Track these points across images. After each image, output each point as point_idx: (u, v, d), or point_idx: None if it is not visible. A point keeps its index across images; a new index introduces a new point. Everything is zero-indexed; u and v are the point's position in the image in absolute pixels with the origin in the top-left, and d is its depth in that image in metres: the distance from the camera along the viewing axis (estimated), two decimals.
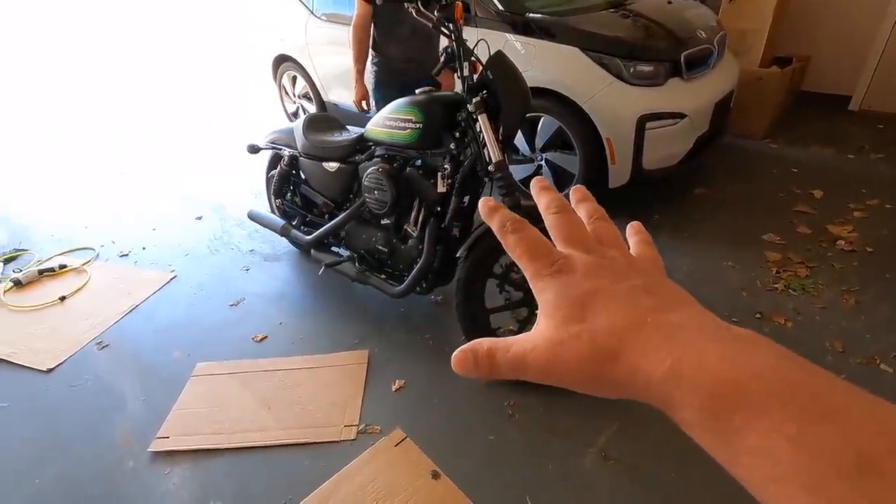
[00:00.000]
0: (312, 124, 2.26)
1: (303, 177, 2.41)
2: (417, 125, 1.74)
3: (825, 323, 1.98)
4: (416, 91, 1.82)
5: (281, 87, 4.40)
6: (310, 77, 3.99)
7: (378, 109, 2.17)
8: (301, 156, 2.26)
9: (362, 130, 2.10)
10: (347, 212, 2.12)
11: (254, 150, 2.45)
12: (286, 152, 2.35)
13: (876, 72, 3.74)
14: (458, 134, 1.72)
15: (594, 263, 0.28)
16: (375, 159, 1.99)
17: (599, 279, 0.27)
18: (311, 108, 4.20)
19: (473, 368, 0.28)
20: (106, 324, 2.29)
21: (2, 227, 3.24)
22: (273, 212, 2.63)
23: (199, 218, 3.17)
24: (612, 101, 2.44)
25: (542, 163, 2.76)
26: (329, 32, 3.68)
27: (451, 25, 1.55)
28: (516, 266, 1.42)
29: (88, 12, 9.76)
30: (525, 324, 1.79)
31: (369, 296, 2.27)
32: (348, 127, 2.33)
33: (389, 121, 1.83)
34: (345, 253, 2.26)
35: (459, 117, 1.69)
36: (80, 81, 6.82)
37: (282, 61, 4.22)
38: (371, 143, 2.02)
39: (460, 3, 1.52)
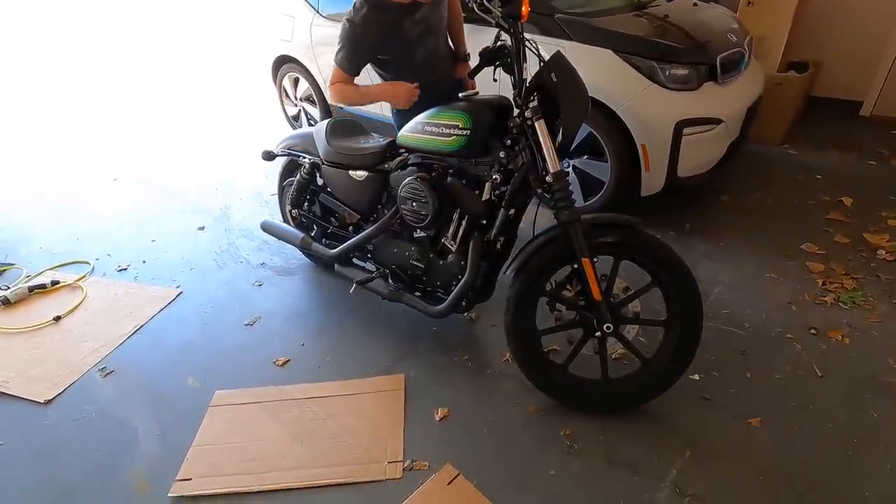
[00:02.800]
0: (336, 129, 2.10)
1: (324, 185, 2.24)
2: (465, 132, 1.60)
3: (884, 338, 1.89)
4: (459, 95, 1.68)
5: (281, 89, 4.20)
6: (314, 79, 3.80)
7: (401, 125, 2.01)
8: (324, 163, 2.10)
9: (390, 137, 1.95)
10: (377, 224, 1.96)
11: (269, 156, 2.27)
12: (306, 159, 2.18)
13: (888, 78, 3.73)
14: (508, 141, 1.59)
15: None
16: (410, 168, 1.84)
17: None
18: (314, 111, 4.02)
19: None
20: (109, 347, 2.09)
21: None
22: (286, 222, 2.46)
23: (202, 228, 2.97)
24: (649, 106, 2.33)
25: (570, 169, 2.64)
26: (335, 33, 3.50)
27: (514, 23, 1.41)
28: (569, 283, 1.26)
29: (82, 17, 9.39)
30: (580, 346, 1.66)
31: (396, 313, 2.12)
32: (372, 133, 2.18)
33: (431, 126, 1.68)
34: (371, 268, 2.10)
35: (511, 123, 1.55)
36: (71, 83, 6.50)
37: (283, 63, 4.03)
38: (404, 151, 1.87)
39: None
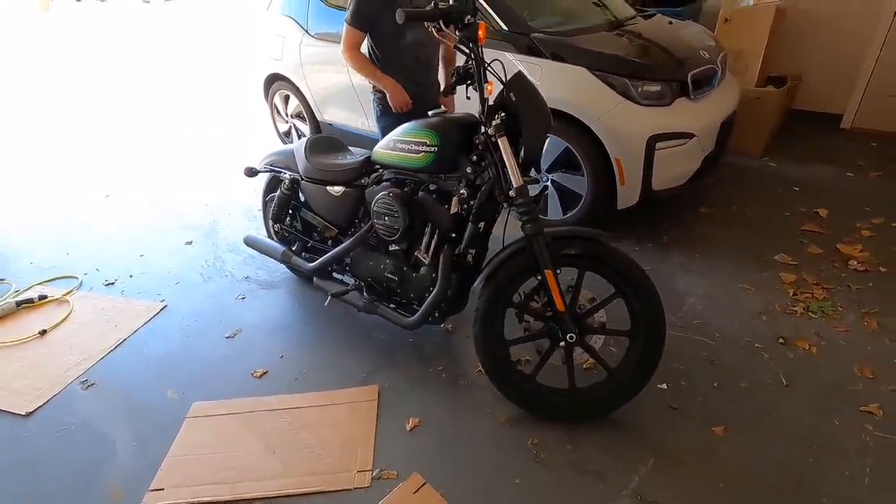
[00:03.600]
0: (315, 146, 2.17)
1: (304, 201, 2.30)
2: (432, 148, 1.66)
3: (851, 347, 1.92)
4: (429, 113, 1.74)
5: (273, 106, 4.29)
6: (303, 96, 3.90)
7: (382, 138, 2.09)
8: (303, 179, 2.16)
9: (367, 153, 2.02)
10: (353, 238, 2.02)
11: (251, 173, 2.34)
12: (286, 175, 2.24)
13: (866, 90, 3.80)
14: (474, 157, 1.65)
15: None
16: (384, 183, 1.89)
17: None
18: (304, 128, 4.10)
19: None
20: (91, 360, 2.13)
21: None
22: (270, 237, 2.51)
23: (190, 243, 3.03)
24: (622, 122, 2.40)
25: (549, 183, 2.70)
26: (323, 52, 3.61)
27: (472, 46, 1.48)
28: (536, 294, 1.30)
29: (78, 35, 9.59)
30: (547, 356, 1.69)
31: (375, 325, 2.16)
32: (351, 149, 2.24)
33: (401, 144, 1.74)
34: (349, 281, 2.15)
35: (476, 140, 1.61)
36: (65, 99, 6.63)
37: (273, 80, 4.13)
38: (379, 167, 1.93)
39: (484, 23, 1.46)
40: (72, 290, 2.62)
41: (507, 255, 1.61)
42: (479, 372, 1.89)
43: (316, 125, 3.96)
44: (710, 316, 2.13)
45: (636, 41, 2.70)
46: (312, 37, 3.66)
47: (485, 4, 2.67)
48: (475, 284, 1.68)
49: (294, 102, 4.07)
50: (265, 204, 2.50)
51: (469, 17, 1.45)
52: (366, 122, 3.49)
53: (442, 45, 2.23)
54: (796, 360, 1.88)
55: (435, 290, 1.76)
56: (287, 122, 4.25)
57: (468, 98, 1.84)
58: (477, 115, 1.64)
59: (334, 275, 2.22)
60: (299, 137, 4.20)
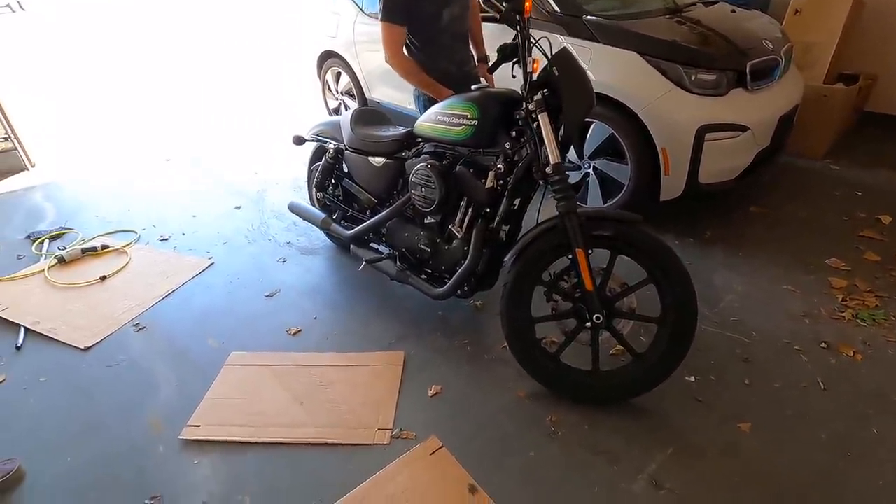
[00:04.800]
0: (361, 118, 2.23)
1: (346, 171, 2.38)
2: (472, 122, 1.67)
3: None
4: (472, 88, 1.75)
5: (325, 82, 4.41)
6: (354, 74, 3.98)
7: None
8: (347, 149, 2.23)
9: (407, 128, 2.06)
10: (391, 208, 2.07)
11: (299, 141, 2.43)
12: (331, 145, 2.32)
13: None
14: (514, 133, 1.65)
15: None
16: (424, 156, 1.93)
17: None
18: (354, 105, 4.19)
19: None
20: (143, 306, 2.29)
21: (50, 205, 3.32)
22: (313, 204, 2.61)
23: (239, 207, 3.18)
24: (671, 109, 2.33)
25: (591, 170, 2.66)
26: (375, 31, 3.64)
27: (519, 18, 1.48)
28: (566, 274, 1.30)
29: (147, 7, 10.09)
30: (572, 336, 1.69)
31: (407, 296, 2.22)
32: (396, 124, 2.29)
33: (443, 116, 1.77)
34: (385, 250, 2.21)
35: (517, 116, 1.62)
36: (133, 69, 7.04)
37: (327, 58, 4.23)
38: (420, 139, 1.97)
39: None
40: (130, 243, 2.81)
41: (539, 232, 1.61)
42: (504, 348, 1.92)
43: (364, 102, 4.04)
44: (749, 314, 2.06)
45: (694, 28, 2.60)
46: (367, 15, 3.72)
47: None
48: (506, 260, 1.70)
49: (345, 80, 4.17)
50: (310, 172, 2.60)
51: None
52: (407, 99, 3.53)
53: (472, 17, 2.19)
54: (838, 366, 1.80)
55: (466, 262, 1.79)
56: (337, 99, 4.35)
57: (514, 77, 1.85)
58: (519, 91, 1.64)
59: (370, 244, 2.29)
60: None
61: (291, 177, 3.57)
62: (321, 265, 2.59)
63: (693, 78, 2.33)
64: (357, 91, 4.06)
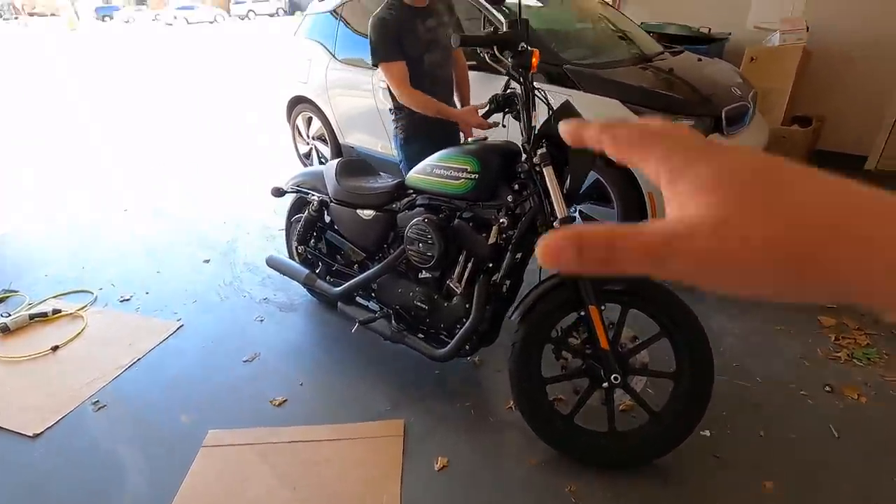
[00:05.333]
0: (346, 169, 2.13)
1: (331, 223, 2.26)
2: (473, 175, 1.61)
3: None
4: (469, 140, 1.71)
5: (295, 128, 4.31)
6: (327, 119, 3.91)
7: (408, 166, 2.06)
8: (332, 201, 2.12)
9: (398, 178, 1.99)
10: (382, 263, 1.96)
11: (278, 193, 2.30)
12: (314, 197, 2.20)
13: (892, 132, 3.78)
14: (516, 186, 1.60)
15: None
16: (417, 209, 1.85)
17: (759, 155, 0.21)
18: (325, 150, 4.11)
19: (574, 259, 0.21)
20: (104, 379, 2.05)
21: None
22: (292, 258, 2.46)
23: (207, 261, 2.98)
24: None
25: (576, 214, 2.65)
26: (348, 76, 3.65)
27: (523, 73, 1.46)
28: (575, 330, 1.23)
29: (107, 50, 9.82)
30: (586, 396, 1.60)
31: (399, 354, 2.08)
32: (381, 173, 2.21)
33: (440, 169, 1.70)
34: (374, 307, 2.08)
35: (518, 168, 1.57)
36: (87, 113, 6.72)
37: (297, 103, 4.16)
38: (412, 192, 1.89)
39: (537, 50, 1.44)
40: (86, 306, 2.56)
41: (546, 289, 1.55)
42: (509, 409, 1.81)
43: (337, 147, 3.97)
44: (749, 358, 2.04)
45: (668, 76, 2.69)
46: (339, 61, 3.69)
47: None
48: (511, 317, 1.62)
49: (316, 125, 4.09)
50: (289, 225, 2.46)
51: (523, 44, 1.42)
52: (388, 145, 3.48)
53: (455, 66, 2.20)
54: (846, 410, 1.78)
55: (469, 321, 1.70)
56: (308, 144, 4.26)
57: (503, 126, 1.83)
58: (519, 144, 1.61)
59: (358, 300, 2.16)
60: (320, 159, 4.21)
61: (262, 225, 3.40)
62: (303, 323, 2.42)
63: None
64: (329, 136, 3.98)
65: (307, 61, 3.92)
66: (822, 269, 0.18)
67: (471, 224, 1.73)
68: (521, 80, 1.48)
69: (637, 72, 2.70)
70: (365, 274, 2.01)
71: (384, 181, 2.04)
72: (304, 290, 2.49)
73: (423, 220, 1.74)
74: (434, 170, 1.73)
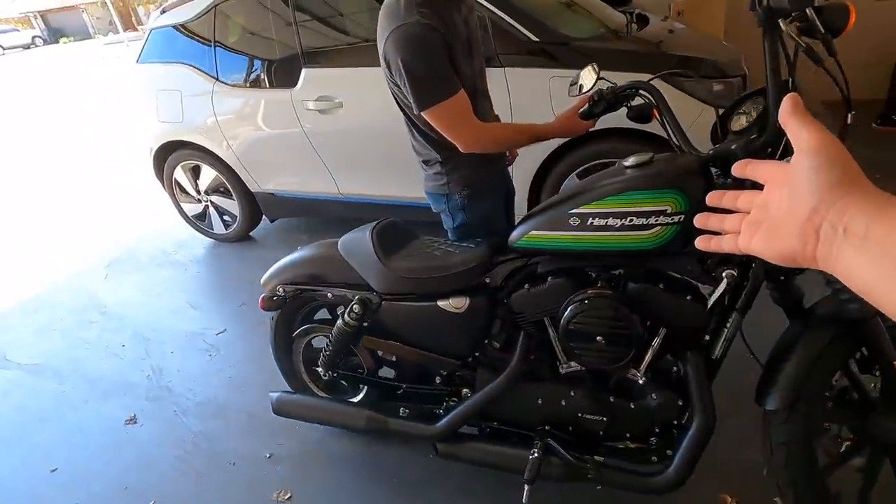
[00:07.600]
0: (385, 242, 1.38)
1: (377, 328, 1.46)
2: (676, 218, 1.03)
3: None
4: (626, 162, 1.12)
5: (173, 185, 3.17)
6: (224, 164, 2.90)
7: (475, 228, 1.44)
8: (385, 298, 1.36)
9: (474, 241, 1.34)
10: (509, 371, 1.28)
11: (277, 304, 1.46)
12: (338, 294, 1.42)
13: None
14: None
15: None
16: (552, 281, 1.21)
17: None
18: (230, 204, 3.08)
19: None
20: None
21: None
22: (295, 390, 1.65)
23: (133, 420, 1.92)
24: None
25: None
26: (248, 101, 2.72)
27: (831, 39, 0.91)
28: (846, 394, 0.81)
29: None
30: (874, 472, 1.17)
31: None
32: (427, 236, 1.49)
33: (607, 218, 1.08)
34: (472, 429, 1.40)
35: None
36: None
37: (171, 151, 3.04)
38: (520, 256, 1.25)
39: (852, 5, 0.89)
40: None
41: (813, 354, 1.07)
42: None
43: (250, 199, 2.98)
44: None
45: (671, 48, 2.35)
46: (229, 85, 2.72)
47: (499, 12, 2.12)
48: (764, 405, 1.11)
49: (209, 174, 3.03)
50: (292, 342, 1.60)
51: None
52: (332, 182, 2.66)
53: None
54: None
55: (696, 423, 1.14)
56: (201, 202, 3.16)
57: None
58: (705, 153, 1.09)
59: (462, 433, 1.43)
60: (222, 218, 3.16)
61: (185, 332, 2.38)
62: (351, 482, 1.61)
63: (714, 90, 2.07)
64: (233, 185, 2.97)
65: (175, 93, 2.84)
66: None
67: (662, 287, 1.16)
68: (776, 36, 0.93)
69: (637, 43, 2.33)
70: (484, 391, 1.31)
71: (463, 249, 1.35)
72: (321, 427, 1.67)
73: (598, 297, 1.12)
74: (592, 220, 1.10)
